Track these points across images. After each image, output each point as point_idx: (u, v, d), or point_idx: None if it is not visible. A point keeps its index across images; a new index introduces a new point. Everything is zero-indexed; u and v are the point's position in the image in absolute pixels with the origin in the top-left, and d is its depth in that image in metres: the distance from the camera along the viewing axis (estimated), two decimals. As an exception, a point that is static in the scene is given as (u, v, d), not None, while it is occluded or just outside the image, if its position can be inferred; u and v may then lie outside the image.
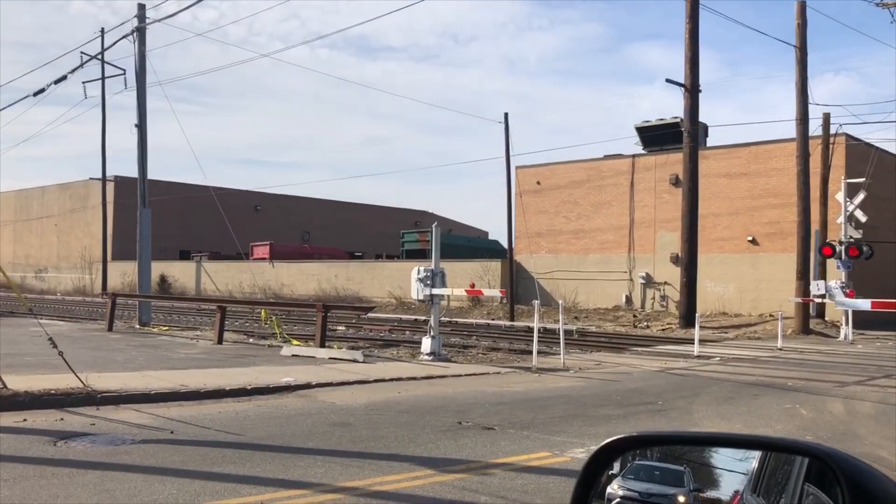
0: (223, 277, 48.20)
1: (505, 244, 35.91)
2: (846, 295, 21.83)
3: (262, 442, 7.47)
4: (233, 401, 10.03)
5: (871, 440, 8.26)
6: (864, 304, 17.54)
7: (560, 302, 17.18)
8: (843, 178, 26.04)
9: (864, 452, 7.18)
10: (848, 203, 25.21)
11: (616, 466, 1.79)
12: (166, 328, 23.31)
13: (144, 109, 24.10)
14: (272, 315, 21.04)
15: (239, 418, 8.79)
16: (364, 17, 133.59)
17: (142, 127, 24.04)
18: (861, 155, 29.59)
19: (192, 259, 52.14)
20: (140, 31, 23.86)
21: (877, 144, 30.80)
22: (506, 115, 32.71)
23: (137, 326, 23.17)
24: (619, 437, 1.72)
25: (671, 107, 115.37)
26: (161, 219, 36.02)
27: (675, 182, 31.99)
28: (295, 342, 17.95)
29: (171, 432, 7.85)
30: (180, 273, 50.63)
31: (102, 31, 35.76)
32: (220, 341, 18.11)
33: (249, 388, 10.73)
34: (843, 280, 23.73)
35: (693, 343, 18.31)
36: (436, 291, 15.62)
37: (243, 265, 45.23)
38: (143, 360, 14.13)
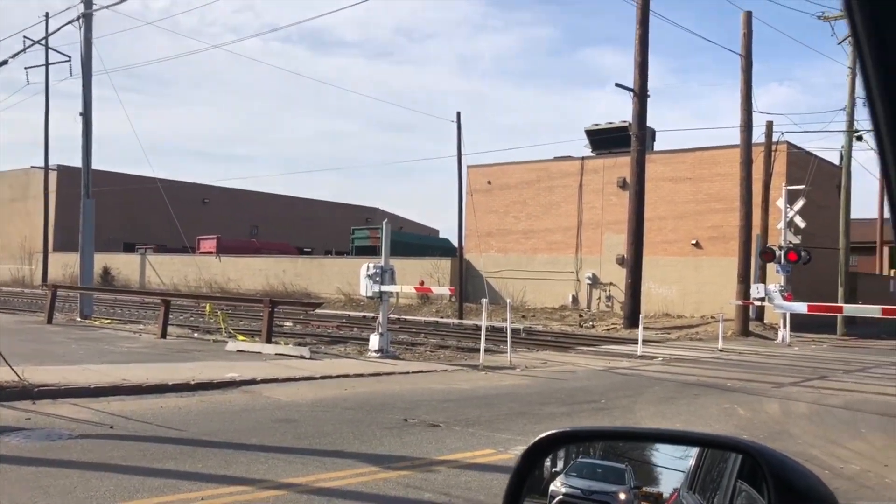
0: (168, 271, 47.30)
1: (455, 243, 35.99)
2: (784, 298, 22.43)
3: (205, 438, 7.37)
4: (175, 396, 9.87)
5: (805, 439, 8.52)
6: (801, 307, 18.03)
7: (508, 301, 17.33)
8: (783, 184, 26.76)
9: (797, 451, 7.39)
10: (788, 209, 25.92)
11: (560, 464, 1.81)
12: (109, 321, 22.80)
13: (90, 97, 23.51)
14: (217, 309, 20.77)
15: (181, 413, 8.66)
16: (318, 11, 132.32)
17: (87, 115, 23.45)
18: (801, 163, 30.42)
19: (136, 251, 51.05)
20: (86, 17, 23.28)
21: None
22: (458, 114, 32.86)
23: (79, 319, 22.60)
24: (551, 432, 1.72)
25: (622, 111, 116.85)
26: (106, 210, 35.19)
27: (623, 185, 32.46)
28: (241, 337, 17.74)
29: (111, 427, 7.69)
30: (124, 265, 49.55)
31: (47, 15, 34.88)
32: (163, 335, 17.81)
33: (193, 383, 10.57)
34: (782, 284, 24.38)
35: (637, 343, 18.62)
36: (385, 288, 15.58)
37: (189, 259, 44.46)
38: (84, 354, 13.81)
